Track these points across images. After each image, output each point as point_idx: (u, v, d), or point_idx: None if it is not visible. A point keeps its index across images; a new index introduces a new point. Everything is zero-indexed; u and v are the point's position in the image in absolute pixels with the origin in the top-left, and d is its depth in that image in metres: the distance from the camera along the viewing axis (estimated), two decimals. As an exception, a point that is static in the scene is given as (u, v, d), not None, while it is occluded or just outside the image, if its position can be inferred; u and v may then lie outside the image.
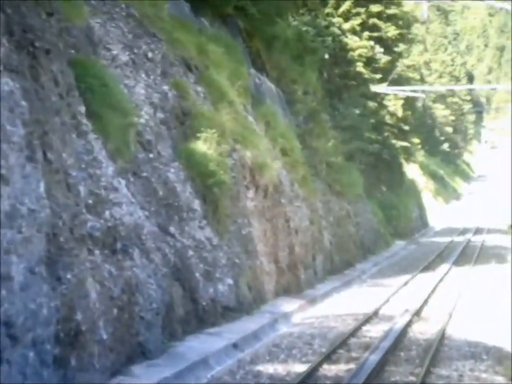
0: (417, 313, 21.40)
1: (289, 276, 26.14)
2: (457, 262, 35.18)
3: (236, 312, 20.48)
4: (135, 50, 21.80)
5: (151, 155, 19.63)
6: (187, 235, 19.72)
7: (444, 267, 32.44)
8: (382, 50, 52.90)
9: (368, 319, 20.42)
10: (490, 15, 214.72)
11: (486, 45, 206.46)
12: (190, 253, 19.45)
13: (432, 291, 25.71)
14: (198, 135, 21.75)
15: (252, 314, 20.81)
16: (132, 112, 18.71)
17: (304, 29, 45.80)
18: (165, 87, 22.22)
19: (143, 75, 21.20)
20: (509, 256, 35.21)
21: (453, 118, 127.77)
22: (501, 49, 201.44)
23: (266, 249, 24.81)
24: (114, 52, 20.56)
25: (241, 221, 23.07)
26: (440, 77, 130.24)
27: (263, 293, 23.39)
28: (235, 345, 17.37)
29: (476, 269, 32.60)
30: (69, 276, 11.68)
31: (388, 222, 50.68)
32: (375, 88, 49.08)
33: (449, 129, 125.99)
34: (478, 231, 61.62)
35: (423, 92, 67.08)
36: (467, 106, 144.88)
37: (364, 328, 19.32)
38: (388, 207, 50.07)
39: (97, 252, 13.52)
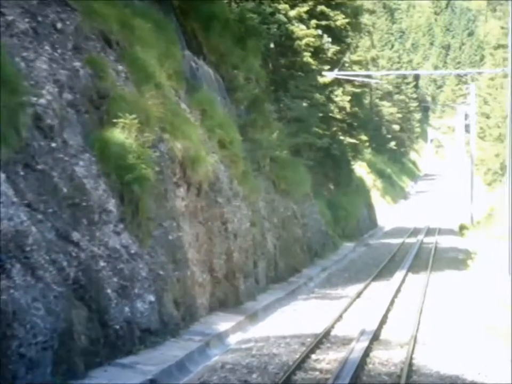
0: (376, 335, 17.98)
1: (227, 287, 22.60)
2: (412, 268, 31.94)
3: (158, 336, 16.89)
4: (39, 19, 17.99)
5: (53, 144, 15.92)
6: (97, 242, 16.08)
7: (398, 274, 29.14)
8: (330, 40, 49.59)
9: (317, 344, 16.92)
10: (436, 13, 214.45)
11: (431, 43, 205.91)
12: (101, 264, 15.82)
13: (390, 304, 22.35)
14: (116, 121, 18.04)
15: (179, 336, 17.22)
16: (26, 90, 14.98)
17: (247, 16, 42.09)
18: (77, 64, 18.51)
19: (47, 47, 17.41)
20: (468, 261, 32.14)
21: (399, 116, 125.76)
22: (446, 48, 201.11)
23: (199, 257, 21.27)
24: (10, 18, 16.76)
25: (168, 224, 19.47)
26: (387, 74, 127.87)
27: (194, 309, 19.80)
28: (152, 382, 13.77)
29: (434, 277, 29.40)
30: None
31: (336, 222, 47.42)
32: (326, 73, 45.73)
33: (396, 127, 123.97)
34: (429, 231, 58.88)
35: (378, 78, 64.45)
36: (413, 105, 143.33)
37: (313, 356, 15.82)
38: (336, 207, 46.85)
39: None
